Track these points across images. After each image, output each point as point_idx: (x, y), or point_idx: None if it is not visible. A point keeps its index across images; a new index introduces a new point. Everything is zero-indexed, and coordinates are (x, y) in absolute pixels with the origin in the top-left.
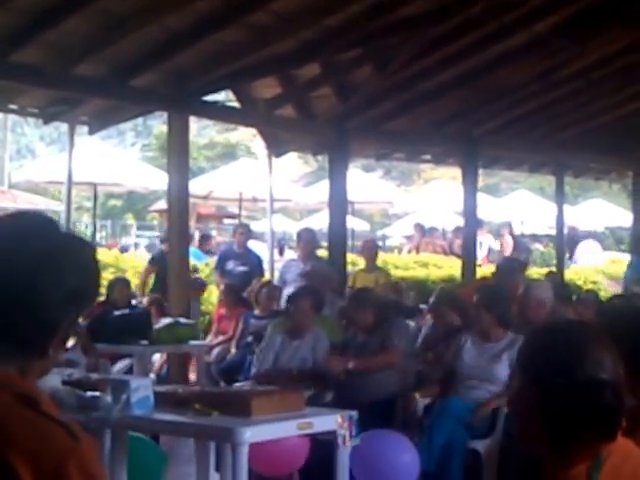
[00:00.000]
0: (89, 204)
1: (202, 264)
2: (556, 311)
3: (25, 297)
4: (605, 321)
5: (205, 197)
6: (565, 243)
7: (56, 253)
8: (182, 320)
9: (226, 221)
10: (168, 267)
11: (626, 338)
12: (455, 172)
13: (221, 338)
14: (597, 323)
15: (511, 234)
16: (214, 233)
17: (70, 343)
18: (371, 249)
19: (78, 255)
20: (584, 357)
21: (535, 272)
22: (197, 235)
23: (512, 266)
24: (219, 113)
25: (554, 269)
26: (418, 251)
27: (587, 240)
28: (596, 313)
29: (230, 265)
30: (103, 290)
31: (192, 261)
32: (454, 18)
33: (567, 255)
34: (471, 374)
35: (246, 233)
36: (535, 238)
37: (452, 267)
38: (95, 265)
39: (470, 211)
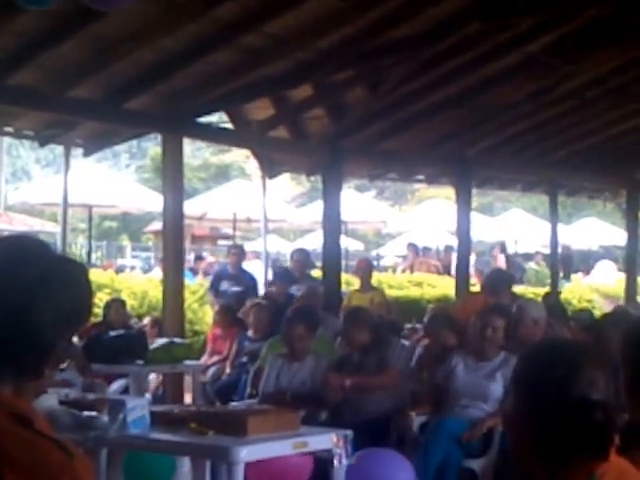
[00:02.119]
0: (84, 225)
1: (196, 284)
2: (551, 330)
3: (20, 319)
4: (613, 334)
5: (199, 218)
6: (559, 262)
7: (49, 276)
8: (177, 340)
9: (220, 242)
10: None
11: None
12: (449, 191)
13: (216, 358)
14: (591, 341)
15: (504, 253)
16: (205, 254)
17: (65, 363)
18: (365, 269)
19: (70, 277)
20: (577, 377)
21: (530, 291)
22: (192, 256)
23: (500, 278)
24: (213, 135)
25: (548, 288)
26: (412, 270)
27: (603, 260)
28: (604, 327)
29: (224, 285)
30: (99, 311)
31: None
32: (447, 39)
33: (561, 274)
34: (465, 393)
35: (240, 254)
36: (529, 257)
37: (446, 286)
38: (87, 286)
39: (464, 231)
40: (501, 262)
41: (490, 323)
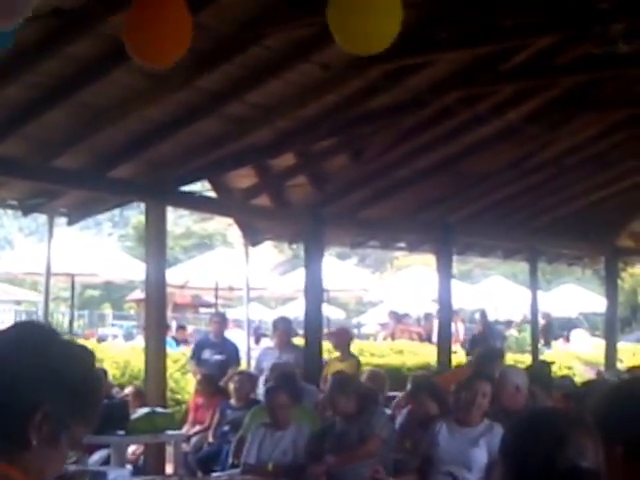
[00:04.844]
0: (66, 294)
1: (178, 353)
2: (534, 398)
3: (30, 407)
4: (596, 409)
5: (181, 286)
6: (539, 329)
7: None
8: (159, 410)
9: (202, 310)
10: None
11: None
12: (428, 258)
13: (198, 427)
14: (573, 409)
15: (484, 320)
16: (186, 323)
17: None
18: (344, 338)
19: (84, 365)
20: (565, 446)
21: (511, 358)
22: (174, 325)
23: (492, 354)
24: (196, 203)
25: (529, 355)
26: (393, 338)
27: (578, 328)
28: (586, 395)
29: (206, 354)
30: None
31: None
32: (428, 108)
33: (542, 341)
34: (448, 460)
35: (222, 322)
36: (510, 324)
37: (427, 354)
38: (92, 371)
39: (445, 298)
40: (461, 330)
41: (480, 389)
